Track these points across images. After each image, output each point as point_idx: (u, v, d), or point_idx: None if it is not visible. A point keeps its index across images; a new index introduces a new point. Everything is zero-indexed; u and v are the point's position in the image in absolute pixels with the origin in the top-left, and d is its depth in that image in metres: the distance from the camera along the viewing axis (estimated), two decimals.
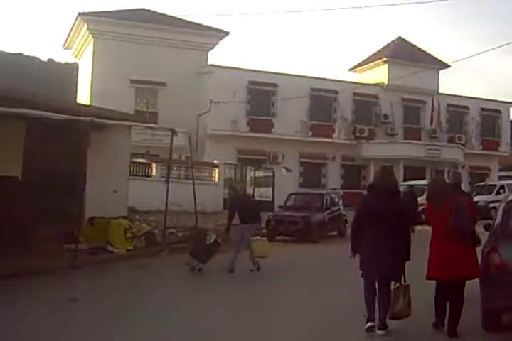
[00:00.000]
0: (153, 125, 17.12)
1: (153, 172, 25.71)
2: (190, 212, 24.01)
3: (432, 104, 38.86)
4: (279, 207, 21.66)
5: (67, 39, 39.74)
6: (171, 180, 25.30)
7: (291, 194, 22.35)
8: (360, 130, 37.45)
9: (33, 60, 31.66)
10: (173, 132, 15.91)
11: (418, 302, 7.28)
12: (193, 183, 17.65)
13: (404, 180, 32.83)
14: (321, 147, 36.25)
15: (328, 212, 20.26)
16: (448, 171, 37.69)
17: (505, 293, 6.77)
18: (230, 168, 28.90)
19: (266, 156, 35.30)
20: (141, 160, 25.88)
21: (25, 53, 31.63)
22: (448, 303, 7.19)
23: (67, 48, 41.49)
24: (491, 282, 6.98)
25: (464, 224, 6.99)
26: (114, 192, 16.82)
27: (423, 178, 33.72)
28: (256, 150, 34.80)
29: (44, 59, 32.43)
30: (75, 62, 36.33)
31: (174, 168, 27.92)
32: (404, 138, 38.45)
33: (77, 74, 34.14)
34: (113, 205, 16.55)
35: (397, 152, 36.23)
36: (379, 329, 7.02)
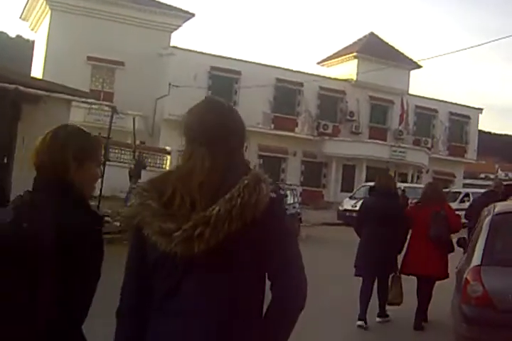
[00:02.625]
0: (93, 100, 15.88)
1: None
2: None
3: (402, 104, 38.32)
4: None
5: (24, 9, 38.34)
6: (118, 164, 24.61)
7: None
8: (324, 126, 36.80)
9: None
10: (114, 110, 14.79)
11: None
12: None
13: (367, 181, 32.23)
14: (282, 141, 35.47)
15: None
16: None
17: (486, 337, 5.20)
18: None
19: None
20: None
21: None
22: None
23: (24, 20, 40.11)
24: (470, 320, 5.30)
25: (440, 236, 7.65)
26: None
27: None
28: None
29: None
30: (27, 39, 35.09)
31: (121, 152, 26.94)
32: (369, 138, 37.89)
33: (32, 50, 33.00)
34: None
35: (360, 151, 35.64)
36: (379, 316, 7.96)
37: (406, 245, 8.02)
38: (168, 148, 27.54)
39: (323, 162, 37.00)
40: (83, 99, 15.39)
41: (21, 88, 11.84)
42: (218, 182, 2.08)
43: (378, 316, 7.94)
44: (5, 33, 31.21)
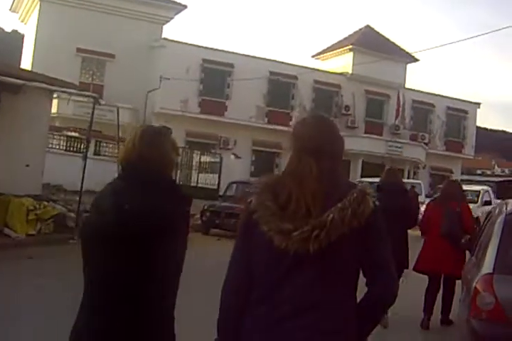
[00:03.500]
0: (73, 91, 15.15)
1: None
2: None
3: (398, 98, 37.67)
4: (220, 196, 19.88)
5: (13, 1, 37.58)
6: (104, 158, 23.89)
7: (233, 182, 20.70)
8: None
9: None
10: (96, 100, 14.06)
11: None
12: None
13: (362, 177, 31.59)
14: (277, 135, 34.59)
15: None
16: (409, 171, 36.70)
17: None
18: None
19: (216, 141, 33.71)
20: (73, 134, 23.95)
21: None
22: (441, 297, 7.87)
23: (13, 11, 39.34)
24: (480, 337, 4.54)
25: (452, 234, 7.46)
26: (27, 166, 14.91)
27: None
28: (206, 134, 33.21)
29: None
30: (17, 31, 34.39)
31: (109, 145, 26.25)
32: (365, 133, 37.28)
33: (22, 43, 32.36)
34: (24, 181, 14.64)
35: (356, 146, 34.80)
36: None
37: (422, 242, 8.09)
38: None
39: None
40: (63, 89, 14.61)
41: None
42: (327, 189, 2.42)
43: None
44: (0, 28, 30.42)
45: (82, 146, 23.83)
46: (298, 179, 2.45)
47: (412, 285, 7.92)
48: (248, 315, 2.49)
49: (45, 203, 13.87)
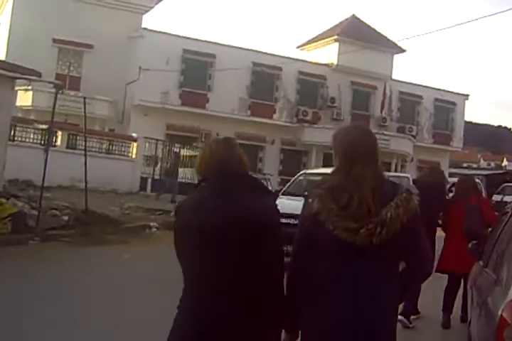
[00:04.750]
0: (32, 77, 14.06)
1: (58, 142, 22.76)
2: (100, 191, 21.45)
3: (384, 90, 36.74)
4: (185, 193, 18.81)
5: None
6: (78, 152, 22.76)
7: None
8: (303, 112, 35.16)
9: None
10: (59, 87, 12.98)
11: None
12: (85, 155, 14.64)
13: None
14: (260, 128, 33.80)
15: None
16: (396, 164, 35.85)
17: None
18: (152, 143, 26.10)
19: (198, 134, 32.63)
20: (43, 126, 22.86)
21: None
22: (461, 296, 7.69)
23: None
24: None
25: (474, 231, 7.11)
26: None
27: None
28: (187, 127, 32.21)
29: None
30: None
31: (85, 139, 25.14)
32: None
33: None
34: None
35: None
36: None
37: (443, 241, 7.96)
38: (134, 134, 25.77)
39: (302, 150, 35.41)
40: (24, 76, 13.54)
41: None
42: (380, 190, 2.89)
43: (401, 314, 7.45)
44: None
45: (54, 139, 22.74)
46: (357, 183, 2.87)
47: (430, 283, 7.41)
48: (312, 302, 2.95)
49: (3, 200, 12.74)
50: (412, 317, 7.60)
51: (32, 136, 23.21)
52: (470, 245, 6.32)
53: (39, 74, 14.72)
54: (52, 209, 14.96)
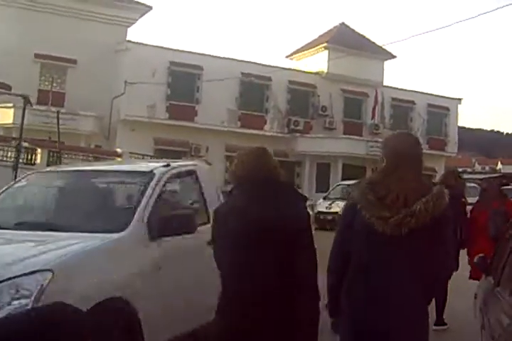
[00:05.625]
0: (6, 92, 13.33)
1: (38, 160, 21.90)
2: None
3: (376, 96, 36.16)
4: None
5: None
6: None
7: None
8: (294, 122, 34.49)
9: None
10: (27, 101, 12.20)
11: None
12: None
13: (343, 179, 30.01)
14: (251, 140, 32.74)
15: None
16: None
17: None
18: (139, 158, 25.30)
19: (187, 148, 31.92)
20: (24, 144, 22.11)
21: None
22: None
23: None
24: None
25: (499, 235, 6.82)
26: None
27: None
28: (176, 141, 31.45)
29: None
30: None
31: (71, 156, 24.39)
32: (344, 133, 35.72)
33: None
34: None
35: (335, 148, 33.43)
36: (436, 324, 7.37)
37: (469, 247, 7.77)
38: (118, 150, 24.98)
39: (295, 161, 34.60)
40: None
41: None
42: (417, 187, 3.23)
43: (436, 324, 7.36)
44: None
45: (33, 157, 21.93)
46: (399, 178, 3.22)
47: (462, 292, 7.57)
48: (352, 285, 3.29)
49: None
50: (434, 327, 7.12)
51: (9, 155, 22.41)
52: (476, 259, 5.86)
53: (9, 88, 13.95)
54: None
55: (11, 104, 27.05)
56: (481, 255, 5.87)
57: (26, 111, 26.67)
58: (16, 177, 13.05)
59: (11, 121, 28.90)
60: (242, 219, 3.20)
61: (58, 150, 16.51)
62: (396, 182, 3.21)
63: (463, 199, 8.10)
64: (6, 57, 29.01)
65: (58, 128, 14.35)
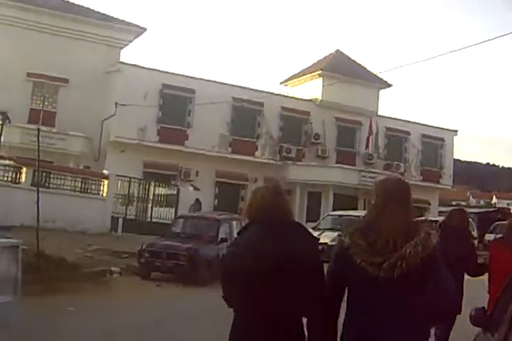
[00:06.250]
0: None
1: (23, 179, 21.61)
2: (67, 231, 20.31)
3: (370, 126, 35.92)
4: (160, 233, 17.52)
5: None
6: (46, 190, 21.68)
7: (179, 217, 18.53)
8: (286, 149, 34.17)
9: None
10: (5, 117, 11.95)
11: None
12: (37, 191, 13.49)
13: (334, 209, 29.58)
14: (242, 166, 32.72)
15: (225, 244, 16.15)
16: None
17: None
18: (125, 181, 25.00)
19: (177, 172, 31.57)
20: (7, 162, 21.83)
21: None
22: None
23: None
24: None
25: None
26: None
27: (355, 208, 30.46)
28: (166, 165, 31.11)
29: None
30: None
31: (61, 177, 24.11)
32: (337, 162, 35.47)
33: None
34: None
35: (327, 177, 33.06)
36: None
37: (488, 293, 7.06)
38: (105, 172, 24.69)
39: (286, 189, 33.80)
40: None
41: None
42: (407, 230, 3.36)
43: None
44: None
45: (13, 175, 21.64)
46: (388, 222, 3.36)
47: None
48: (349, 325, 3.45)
49: None
50: None
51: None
52: (473, 311, 4.64)
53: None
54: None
55: None
56: (478, 307, 4.87)
57: (18, 129, 26.89)
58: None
59: (2, 139, 28.68)
60: (256, 257, 3.31)
61: (36, 168, 16.16)
62: (385, 225, 3.35)
63: (471, 239, 7.93)
64: (0, 75, 28.99)
65: (38, 147, 14.07)
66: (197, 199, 26.55)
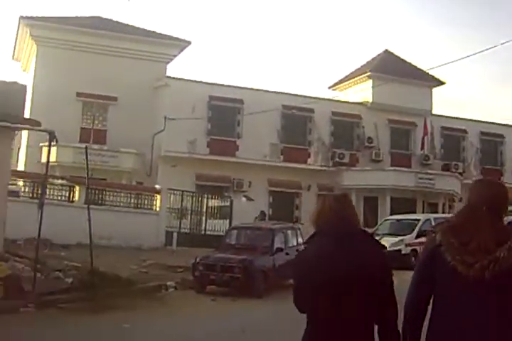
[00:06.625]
0: (28, 126, 13.20)
1: (76, 197, 21.81)
2: (121, 248, 20.38)
3: (425, 126, 35.10)
4: (214, 246, 17.31)
5: (14, 49, 36.55)
6: (100, 207, 21.83)
7: (233, 228, 18.27)
8: (339, 155, 33.67)
9: None
10: (52, 136, 11.98)
11: None
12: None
13: (391, 214, 28.98)
14: (294, 174, 32.41)
15: (280, 254, 15.87)
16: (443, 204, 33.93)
17: None
18: (178, 194, 24.99)
19: (229, 183, 31.50)
20: (60, 181, 22.12)
21: None
22: None
23: (16, 60, 38.40)
24: None
25: None
26: None
27: (413, 212, 29.79)
28: (218, 177, 31.08)
29: None
30: (17, 82, 33.19)
31: (113, 193, 24.33)
32: (392, 165, 34.73)
33: (24, 94, 31.02)
34: None
35: (383, 181, 32.37)
36: None
37: None
38: (157, 186, 24.72)
39: None
40: (11, 125, 12.62)
41: None
42: (497, 234, 3.30)
43: None
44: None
45: (67, 194, 21.90)
46: (477, 225, 3.32)
47: None
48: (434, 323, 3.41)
49: None
50: None
51: (54, 193, 22.45)
52: None
53: (38, 124, 13.76)
54: (56, 270, 13.79)
55: (54, 143, 27.25)
56: None
57: (70, 149, 27.31)
58: (41, 214, 12.73)
59: (54, 159, 29.15)
60: (328, 267, 3.38)
61: (87, 186, 16.24)
62: (477, 230, 3.32)
63: None
64: (48, 97, 29.70)
65: (87, 165, 14.04)
66: (262, 212, 26.39)
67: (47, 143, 23.68)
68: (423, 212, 31.05)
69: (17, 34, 33.78)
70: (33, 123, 13.71)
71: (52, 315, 11.19)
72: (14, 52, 37.06)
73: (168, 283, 15.02)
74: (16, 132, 14.42)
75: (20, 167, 30.19)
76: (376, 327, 3.51)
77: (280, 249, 16.06)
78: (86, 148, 14.81)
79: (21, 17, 31.65)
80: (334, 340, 3.39)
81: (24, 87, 26.74)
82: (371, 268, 3.41)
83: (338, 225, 3.54)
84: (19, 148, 31.27)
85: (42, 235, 18.15)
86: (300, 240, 17.69)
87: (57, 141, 12.97)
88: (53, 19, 31.86)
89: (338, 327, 3.38)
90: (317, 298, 3.43)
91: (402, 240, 22.61)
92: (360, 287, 3.36)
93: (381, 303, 3.43)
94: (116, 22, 34.24)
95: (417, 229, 23.09)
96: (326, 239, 3.51)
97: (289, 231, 17.35)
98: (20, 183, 22.25)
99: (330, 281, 3.36)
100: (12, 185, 20.18)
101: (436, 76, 36.33)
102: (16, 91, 26.20)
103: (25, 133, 28.71)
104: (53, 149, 28.45)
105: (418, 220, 23.99)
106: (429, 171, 34.49)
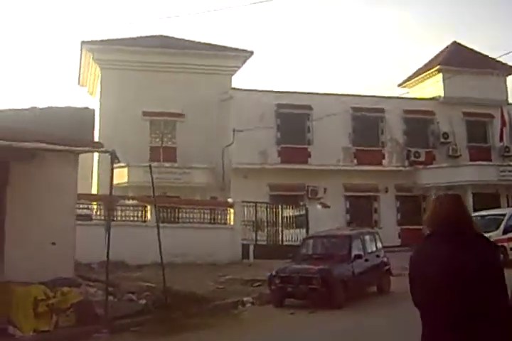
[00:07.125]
0: (89, 148, 13.11)
1: (148, 216, 21.81)
2: (197, 264, 20.19)
3: (502, 116, 33.75)
4: (290, 257, 16.78)
5: (79, 75, 37.29)
6: (173, 225, 21.77)
7: (308, 238, 17.74)
8: (415, 153, 32.88)
9: (47, 110, 29.46)
10: (114, 156, 11.79)
11: None
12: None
13: (474, 210, 27.82)
14: (370, 177, 31.70)
15: (359, 261, 15.26)
16: None
17: None
18: (252, 206, 24.66)
19: (304, 191, 31.03)
20: (131, 202, 22.17)
21: (38, 106, 29.35)
22: None
23: (82, 85, 39.15)
24: None
25: None
26: (53, 243, 12.72)
27: (497, 206, 28.59)
28: (291, 185, 30.75)
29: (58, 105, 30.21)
30: (87, 108, 33.97)
31: (186, 210, 24.20)
32: (471, 160, 33.64)
33: (93, 118, 31.69)
34: (51, 263, 12.35)
35: (462, 177, 31.30)
36: None
37: None
38: (230, 200, 24.46)
39: (420, 195, 32.69)
40: (80, 148, 12.53)
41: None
42: None
43: None
44: (51, 108, 30.06)
45: (138, 214, 21.91)
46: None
47: None
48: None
49: (64, 289, 11.39)
50: None
51: (128, 214, 22.55)
52: None
53: (100, 145, 13.62)
54: (129, 292, 13.59)
55: (123, 164, 27.52)
56: None
57: (140, 168, 27.48)
58: (109, 237, 12.55)
59: (125, 180, 29.39)
60: (443, 270, 3.39)
61: (154, 204, 16.09)
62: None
63: None
64: (115, 118, 30.16)
65: (152, 183, 13.86)
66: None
67: (117, 165, 24.02)
68: (508, 207, 29.86)
69: (80, 59, 34.43)
70: (94, 145, 13.60)
71: (126, 339, 10.96)
72: (79, 77, 37.82)
73: (245, 299, 14.59)
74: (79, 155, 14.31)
75: (94, 190, 30.61)
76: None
77: (359, 256, 15.43)
78: (150, 166, 14.68)
79: (83, 42, 32.21)
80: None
81: (93, 111, 27.23)
82: (486, 269, 3.37)
83: (452, 227, 3.54)
84: (92, 172, 31.74)
85: (117, 257, 18.16)
86: (379, 245, 17.09)
87: (119, 161, 12.77)
88: (114, 41, 32.30)
89: (450, 333, 3.35)
90: (434, 302, 3.43)
91: (489, 237, 21.62)
92: (473, 288, 3.33)
93: (492, 304, 3.35)
94: (176, 39, 34.40)
95: (503, 224, 22.31)
96: (441, 240, 3.53)
97: (367, 237, 16.67)
98: (94, 206, 22.40)
99: (447, 284, 3.37)
100: (83, 209, 20.35)
101: (510, 63, 34.98)
102: (86, 116, 26.67)
103: (96, 156, 29.08)
104: (124, 170, 28.84)
105: (504, 215, 23.12)
106: (511, 163, 33.19)
